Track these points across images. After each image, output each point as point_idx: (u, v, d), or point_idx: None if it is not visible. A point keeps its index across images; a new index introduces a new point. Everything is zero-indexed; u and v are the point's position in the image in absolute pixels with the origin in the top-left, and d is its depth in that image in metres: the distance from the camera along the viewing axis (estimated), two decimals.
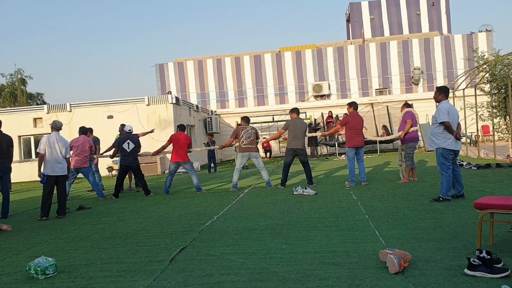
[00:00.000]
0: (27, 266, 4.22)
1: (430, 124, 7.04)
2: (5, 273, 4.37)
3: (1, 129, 8.10)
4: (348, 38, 34.10)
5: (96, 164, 11.38)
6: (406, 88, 27.21)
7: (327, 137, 19.99)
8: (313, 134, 14.65)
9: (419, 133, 18.03)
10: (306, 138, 12.22)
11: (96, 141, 11.76)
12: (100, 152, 11.36)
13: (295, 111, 9.78)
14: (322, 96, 27.01)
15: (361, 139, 9.32)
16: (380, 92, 27.15)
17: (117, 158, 11.76)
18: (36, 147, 18.62)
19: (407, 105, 9.79)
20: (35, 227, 6.97)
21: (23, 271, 4.29)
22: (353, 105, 9.48)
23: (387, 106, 23.38)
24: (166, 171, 17.57)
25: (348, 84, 27.53)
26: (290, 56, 27.96)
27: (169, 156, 17.95)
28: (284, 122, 23.67)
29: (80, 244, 5.45)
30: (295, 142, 9.40)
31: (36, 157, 17.29)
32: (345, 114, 10.26)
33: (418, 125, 9.74)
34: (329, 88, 27.20)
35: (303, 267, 3.86)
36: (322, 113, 22.96)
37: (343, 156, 19.75)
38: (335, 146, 20.96)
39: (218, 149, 16.92)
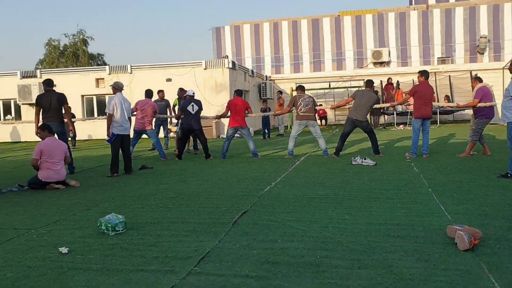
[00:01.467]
0: (98, 222, 4.44)
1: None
2: (77, 228, 4.63)
3: (53, 88, 8.40)
4: (411, 4, 32.31)
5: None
6: (470, 58, 25.75)
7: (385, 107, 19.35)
8: (382, 105, 14.28)
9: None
10: None
11: (167, 103, 12.29)
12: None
13: (368, 84, 9.54)
14: (381, 63, 26.12)
15: (429, 110, 8.98)
16: (442, 61, 25.87)
17: (174, 121, 12.12)
18: (98, 106, 19.36)
19: (478, 79, 9.25)
20: (101, 184, 7.31)
21: (94, 226, 4.52)
22: (424, 74, 9.11)
23: (449, 75, 22.31)
24: (221, 135, 17.82)
25: (409, 52, 26.41)
26: (349, 21, 27.06)
27: (224, 121, 18.20)
28: (340, 89, 23.36)
29: (146, 203, 5.67)
30: (356, 113, 9.18)
31: (98, 115, 17.99)
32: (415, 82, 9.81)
33: (494, 101, 9.19)
34: (389, 55, 26.23)
35: (368, 239, 3.82)
36: (381, 81, 22.27)
37: (401, 126, 19.20)
38: (393, 115, 20.37)
39: (272, 116, 16.99)
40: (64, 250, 3.81)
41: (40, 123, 7.71)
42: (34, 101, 8.44)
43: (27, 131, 17.90)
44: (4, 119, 19.95)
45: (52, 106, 8.14)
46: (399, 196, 5.47)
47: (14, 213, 5.40)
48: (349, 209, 4.89)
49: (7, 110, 20.27)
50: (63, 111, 8.40)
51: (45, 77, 19.32)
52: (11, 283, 3.17)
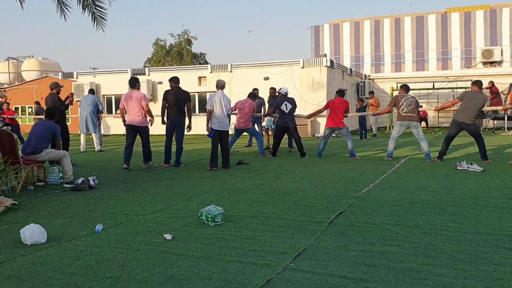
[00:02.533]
0: (199, 212, 4.66)
1: None
2: (180, 216, 4.89)
3: (179, 86, 8.94)
4: None
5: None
6: None
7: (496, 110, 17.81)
8: (494, 108, 13.24)
9: None
10: None
11: (262, 101, 12.58)
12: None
13: (476, 83, 8.89)
14: (492, 63, 24.19)
15: None
16: None
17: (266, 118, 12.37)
18: (199, 103, 20.25)
19: None
20: (201, 177, 7.65)
21: (195, 216, 4.75)
22: None
23: None
24: (316, 134, 17.72)
25: None
26: (457, 18, 25.39)
27: (319, 119, 18.07)
28: (445, 90, 22.02)
29: (242, 197, 5.83)
30: (463, 115, 8.57)
31: (199, 112, 18.80)
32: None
33: None
34: (502, 54, 24.19)
35: (474, 248, 3.58)
36: (491, 82, 20.60)
37: None
38: (504, 120, 18.76)
39: (372, 116, 16.52)
40: (168, 236, 4.05)
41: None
42: None
43: None
44: (116, 113, 21.62)
45: (176, 102, 8.71)
46: (510, 206, 5.03)
47: (123, 200, 5.85)
48: (453, 216, 4.60)
49: (118, 105, 21.94)
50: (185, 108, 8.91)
51: (152, 74, 20.67)
52: (122, 263, 3.44)
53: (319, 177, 7.33)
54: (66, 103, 9.64)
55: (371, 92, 17.70)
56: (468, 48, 25.21)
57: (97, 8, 8.60)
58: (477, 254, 3.46)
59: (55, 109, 7.82)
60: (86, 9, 8.55)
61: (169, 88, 9.00)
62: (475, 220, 4.44)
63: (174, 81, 8.98)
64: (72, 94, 10.39)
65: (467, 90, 11.21)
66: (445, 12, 26.38)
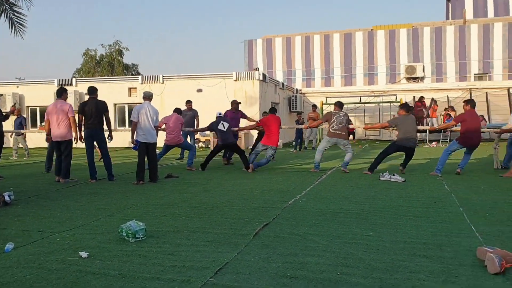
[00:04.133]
0: (119, 228, 4.45)
1: None
2: (99, 233, 4.66)
3: (96, 96, 8.57)
4: (447, 18, 31.83)
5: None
6: (509, 74, 25.02)
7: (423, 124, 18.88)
8: (426, 128, 14.11)
9: None
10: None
11: (195, 114, 12.52)
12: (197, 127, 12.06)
13: (403, 107, 9.26)
14: (415, 79, 25.68)
15: (477, 141, 8.74)
16: (479, 77, 25.21)
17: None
18: (129, 115, 19.70)
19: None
20: (126, 191, 7.37)
21: (116, 232, 4.53)
22: (470, 103, 8.86)
23: (486, 92, 21.67)
24: (249, 146, 17.80)
25: (444, 67, 25.88)
26: (383, 35, 26.77)
27: (253, 133, 18.19)
28: (372, 105, 23.02)
29: (168, 211, 5.67)
30: (408, 141, 8.88)
31: (129, 125, 18.29)
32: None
33: None
34: (423, 71, 25.77)
35: (392, 257, 3.68)
36: (414, 97, 21.83)
37: (434, 143, 18.74)
38: (425, 132, 19.90)
39: (304, 129, 16.90)
40: (84, 254, 3.82)
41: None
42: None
43: None
44: (41, 125, 20.53)
45: (94, 113, 8.31)
46: (427, 214, 5.27)
47: (40, 217, 5.48)
48: (374, 225, 4.73)
49: (43, 116, 20.86)
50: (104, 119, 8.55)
51: (80, 85, 19.89)
52: (30, 285, 3.19)
53: (248, 190, 7.31)
54: (6, 114, 9.30)
55: (314, 106, 18.10)
56: (393, 64, 26.60)
57: (15, 14, 8.12)
58: (393, 262, 3.56)
59: None
60: (3, 14, 8.03)
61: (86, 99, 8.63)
62: (394, 229, 4.59)
63: (90, 92, 8.56)
64: (15, 103, 9.96)
65: (396, 115, 11.64)
66: (372, 29, 27.73)
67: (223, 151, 11.37)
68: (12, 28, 8.19)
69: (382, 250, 3.86)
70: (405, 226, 4.72)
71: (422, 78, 25.83)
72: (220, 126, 10.18)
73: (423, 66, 25.83)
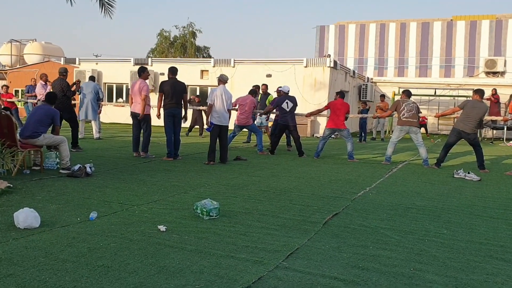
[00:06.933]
0: (194, 205, 4.64)
1: None
2: (175, 208, 4.89)
3: (176, 77, 8.84)
4: None
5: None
6: None
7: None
8: (494, 118, 13.21)
9: None
10: None
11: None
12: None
13: (478, 92, 8.83)
14: (495, 73, 24.19)
15: None
16: None
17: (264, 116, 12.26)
18: (201, 97, 20.19)
19: None
20: (198, 170, 7.64)
21: (190, 209, 4.74)
22: None
23: None
24: (316, 134, 17.71)
25: None
26: (463, 26, 25.37)
27: (319, 120, 18.07)
28: (446, 98, 22.01)
29: (239, 193, 5.82)
30: (464, 124, 8.54)
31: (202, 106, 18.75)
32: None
33: None
34: (505, 65, 24.18)
35: (467, 257, 3.58)
36: (495, 89, 20.54)
37: (511, 142, 17.65)
38: (503, 130, 18.76)
39: (372, 118, 16.53)
40: (162, 228, 4.04)
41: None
42: None
43: None
44: (116, 102, 21.57)
45: (173, 93, 8.57)
46: (505, 216, 5.04)
47: (119, 189, 5.83)
48: (448, 224, 4.60)
49: (119, 94, 21.91)
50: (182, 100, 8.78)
51: (155, 65, 20.61)
52: (114, 252, 3.43)
53: (316, 177, 7.33)
54: (73, 89, 9.69)
55: (382, 96, 17.57)
56: (472, 57, 25.20)
57: None
58: (469, 262, 3.46)
59: (55, 94, 7.78)
60: None
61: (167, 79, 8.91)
62: (469, 229, 4.44)
63: (172, 72, 8.78)
64: (79, 81, 10.47)
65: (468, 99, 11.19)
66: (451, 20, 26.36)
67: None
68: (102, 8, 8.65)
69: (457, 249, 3.76)
70: (481, 226, 4.55)
71: (502, 73, 24.26)
72: (284, 105, 10.09)
73: (505, 60, 24.22)
